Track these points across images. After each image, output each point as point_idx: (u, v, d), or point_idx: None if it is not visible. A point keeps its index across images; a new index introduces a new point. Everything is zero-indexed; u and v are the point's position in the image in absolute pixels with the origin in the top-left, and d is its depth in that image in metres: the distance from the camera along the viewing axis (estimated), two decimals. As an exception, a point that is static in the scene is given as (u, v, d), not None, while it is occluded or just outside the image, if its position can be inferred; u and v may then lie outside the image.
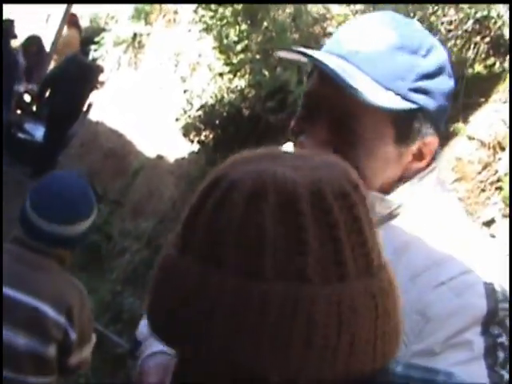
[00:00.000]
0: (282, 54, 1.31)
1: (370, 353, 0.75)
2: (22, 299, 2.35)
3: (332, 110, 1.21)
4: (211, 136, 5.55)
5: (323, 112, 1.22)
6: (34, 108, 10.40)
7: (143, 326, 1.55)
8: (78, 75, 8.44)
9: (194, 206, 0.78)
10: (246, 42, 5.84)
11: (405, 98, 1.19)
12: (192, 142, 5.68)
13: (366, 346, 0.75)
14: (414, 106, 1.20)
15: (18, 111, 10.45)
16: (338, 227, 0.74)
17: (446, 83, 1.25)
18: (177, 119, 6.01)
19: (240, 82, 5.63)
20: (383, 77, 1.19)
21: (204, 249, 0.74)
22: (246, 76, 5.58)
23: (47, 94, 9.28)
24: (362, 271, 0.75)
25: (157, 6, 8.03)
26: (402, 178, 1.25)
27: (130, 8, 9.37)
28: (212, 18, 6.21)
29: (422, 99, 1.21)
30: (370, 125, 1.19)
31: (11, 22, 9.43)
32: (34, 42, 11.05)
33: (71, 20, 10.79)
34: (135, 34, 8.53)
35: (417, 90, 1.20)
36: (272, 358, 0.71)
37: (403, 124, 1.21)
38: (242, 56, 5.73)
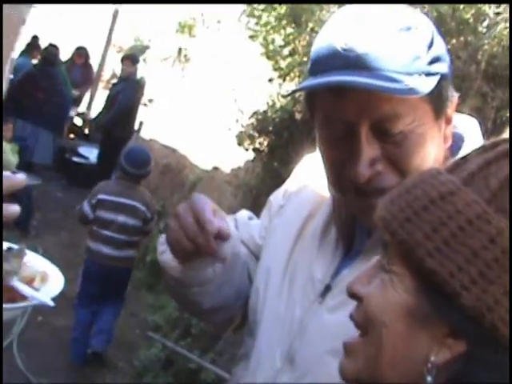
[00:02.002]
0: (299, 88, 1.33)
1: None
2: (126, 202, 5.15)
3: (368, 123, 1.19)
4: (265, 143, 5.63)
5: (359, 130, 1.20)
6: (86, 131, 10.68)
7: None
8: (130, 96, 8.65)
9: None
10: (293, 45, 5.91)
11: (428, 74, 1.19)
12: (247, 150, 5.77)
13: None
14: (437, 78, 1.20)
15: (71, 136, 10.74)
16: None
17: (441, 39, 1.25)
18: (229, 129, 6.11)
19: (290, 86, 5.69)
20: (402, 66, 1.17)
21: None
22: (296, 79, 5.64)
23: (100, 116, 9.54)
24: None
25: (199, 17, 8.17)
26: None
27: (173, 23, 9.56)
28: (256, 24, 6.30)
29: (440, 67, 1.22)
30: (409, 117, 1.19)
31: (55, 47, 9.67)
32: (81, 52, 11.32)
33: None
34: (180, 48, 8.69)
35: (433, 61, 1.21)
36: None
37: (436, 99, 1.22)
38: (289, 60, 5.80)
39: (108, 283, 5.25)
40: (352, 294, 0.96)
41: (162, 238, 1.42)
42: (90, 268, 5.27)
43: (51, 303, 1.15)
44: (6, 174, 1.03)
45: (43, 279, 1.23)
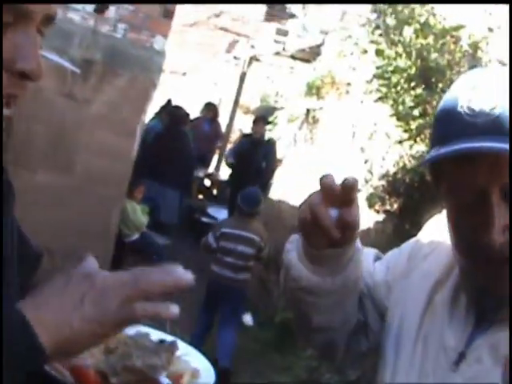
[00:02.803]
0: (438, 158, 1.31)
1: None
2: (244, 234, 6.23)
3: (499, 188, 1.21)
4: (396, 205, 5.69)
5: (491, 196, 1.21)
6: (215, 192, 11.04)
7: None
8: (256, 154, 8.94)
9: None
10: (423, 106, 5.99)
11: None
12: (377, 212, 5.85)
13: None
14: None
15: (200, 196, 11.14)
16: None
17: None
18: (359, 190, 6.22)
19: (420, 148, 5.76)
20: None
21: None
22: (426, 141, 5.71)
23: (227, 176, 9.86)
24: None
25: (328, 79, 8.39)
26: None
27: (300, 84, 9.85)
28: (386, 86, 6.44)
29: None
30: None
31: (181, 108, 10.12)
32: (210, 108, 11.76)
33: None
34: (308, 110, 8.91)
35: None
36: None
37: None
38: (420, 121, 5.87)
39: (226, 301, 6.38)
40: None
41: (292, 236, 1.48)
42: (213, 287, 6.43)
43: None
44: (173, 269, 0.94)
45: (193, 376, 1.18)
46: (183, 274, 0.92)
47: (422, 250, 1.51)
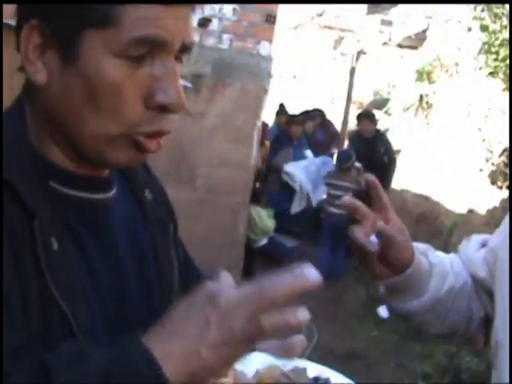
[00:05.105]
0: None
1: None
2: (342, 183, 7.79)
3: None
4: (524, 179, 5.65)
5: None
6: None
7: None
8: (375, 151, 8.97)
9: None
10: (535, 75, 5.90)
11: None
12: (501, 188, 5.81)
13: None
14: None
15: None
16: None
17: None
18: (480, 170, 6.19)
19: (537, 118, 5.67)
20: None
21: None
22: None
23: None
24: None
25: (437, 63, 8.37)
26: None
27: (410, 72, 9.84)
28: (495, 60, 6.39)
29: None
30: None
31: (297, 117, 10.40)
32: (317, 114, 11.94)
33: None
34: (421, 96, 8.90)
35: None
36: None
37: None
38: (533, 90, 5.79)
39: (335, 231, 8.21)
40: None
41: None
42: (327, 221, 8.57)
43: None
44: (298, 272, 0.86)
45: None
46: (309, 274, 0.85)
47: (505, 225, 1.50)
